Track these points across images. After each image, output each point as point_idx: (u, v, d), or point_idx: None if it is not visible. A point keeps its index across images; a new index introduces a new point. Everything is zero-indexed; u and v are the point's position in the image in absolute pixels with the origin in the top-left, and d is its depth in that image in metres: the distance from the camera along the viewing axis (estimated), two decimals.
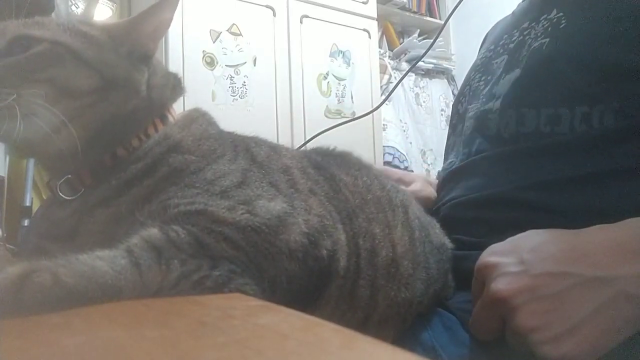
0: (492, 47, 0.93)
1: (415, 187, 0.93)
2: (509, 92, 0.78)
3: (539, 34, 0.78)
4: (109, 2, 2.73)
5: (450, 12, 1.24)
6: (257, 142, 0.64)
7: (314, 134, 1.17)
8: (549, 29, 0.76)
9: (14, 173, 1.50)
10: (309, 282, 0.51)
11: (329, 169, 0.67)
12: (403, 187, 0.80)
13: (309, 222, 0.52)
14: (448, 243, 0.78)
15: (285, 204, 0.52)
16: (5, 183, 1.40)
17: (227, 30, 2.42)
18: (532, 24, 0.82)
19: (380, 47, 3.28)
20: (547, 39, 0.74)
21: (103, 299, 0.39)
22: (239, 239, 0.46)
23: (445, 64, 3.43)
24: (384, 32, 3.50)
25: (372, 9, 3.00)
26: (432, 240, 0.73)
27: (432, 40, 1.24)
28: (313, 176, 0.62)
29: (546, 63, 0.73)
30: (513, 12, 0.96)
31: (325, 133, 1.12)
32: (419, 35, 3.51)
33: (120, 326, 0.34)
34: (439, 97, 3.47)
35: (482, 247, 0.72)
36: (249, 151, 0.59)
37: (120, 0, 2.72)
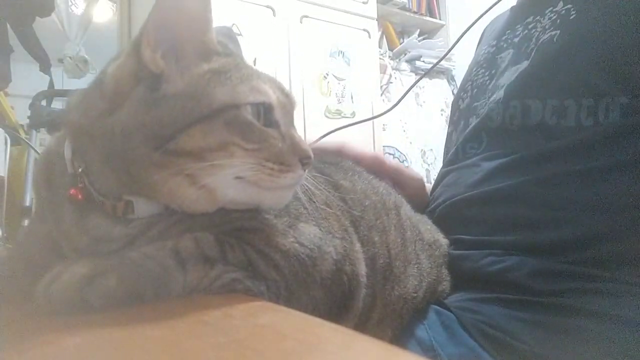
0: (494, 42, 0.92)
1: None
2: (512, 82, 0.77)
3: (546, 27, 0.77)
4: (109, 2, 2.73)
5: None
6: None
7: (314, 134, 1.17)
8: (558, 21, 0.75)
9: (14, 173, 1.50)
10: (331, 307, 0.52)
11: (331, 175, 0.67)
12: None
13: (336, 248, 0.53)
14: (442, 239, 0.79)
15: (316, 226, 0.53)
16: (5, 183, 1.40)
17: None
18: (537, 18, 0.81)
19: (380, 47, 3.28)
20: (558, 31, 0.73)
21: (154, 299, 0.40)
22: (285, 266, 0.47)
23: (445, 64, 3.43)
24: (384, 32, 3.50)
25: (372, 9, 3.00)
26: (423, 237, 0.74)
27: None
28: (322, 184, 0.62)
29: (556, 55, 0.72)
30: (511, 8, 0.96)
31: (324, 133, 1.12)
32: (419, 35, 3.51)
33: (120, 326, 0.35)
34: (439, 97, 3.47)
35: (482, 246, 0.72)
36: None
37: (120, 0, 2.72)
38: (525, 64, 0.77)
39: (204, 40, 0.47)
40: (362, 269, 0.57)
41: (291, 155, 0.48)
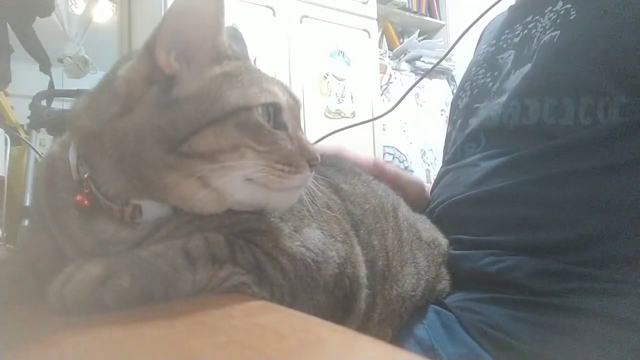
0: (494, 42, 0.92)
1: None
2: (517, 86, 0.77)
3: (547, 27, 0.77)
4: (109, 2, 2.73)
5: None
6: None
7: (314, 134, 1.17)
8: (558, 20, 0.75)
9: (14, 173, 1.50)
10: (334, 309, 0.52)
11: (332, 178, 0.67)
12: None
13: (339, 252, 0.53)
14: (441, 238, 0.79)
15: (319, 230, 0.53)
16: (5, 183, 1.40)
17: None
18: (537, 17, 0.81)
19: (380, 47, 3.28)
20: (558, 32, 0.74)
21: (164, 298, 0.40)
22: (291, 270, 0.48)
23: (445, 64, 3.43)
24: (384, 32, 3.50)
25: (372, 9, 3.00)
26: (421, 237, 0.74)
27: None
28: (324, 186, 0.62)
29: (556, 55, 0.72)
30: (510, 8, 0.96)
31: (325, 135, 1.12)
32: (419, 35, 3.51)
33: (120, 326, 0.34)
34: (439, 97, 3.47)
35: (481, 246, 0.72)
36: None
37: (120, 0, 2.72)
38: (528, 66, 0.77)
39: (216, 43, 0.48)
40: (363, 271, 0.57)
41: (299, 157, 0.48)
